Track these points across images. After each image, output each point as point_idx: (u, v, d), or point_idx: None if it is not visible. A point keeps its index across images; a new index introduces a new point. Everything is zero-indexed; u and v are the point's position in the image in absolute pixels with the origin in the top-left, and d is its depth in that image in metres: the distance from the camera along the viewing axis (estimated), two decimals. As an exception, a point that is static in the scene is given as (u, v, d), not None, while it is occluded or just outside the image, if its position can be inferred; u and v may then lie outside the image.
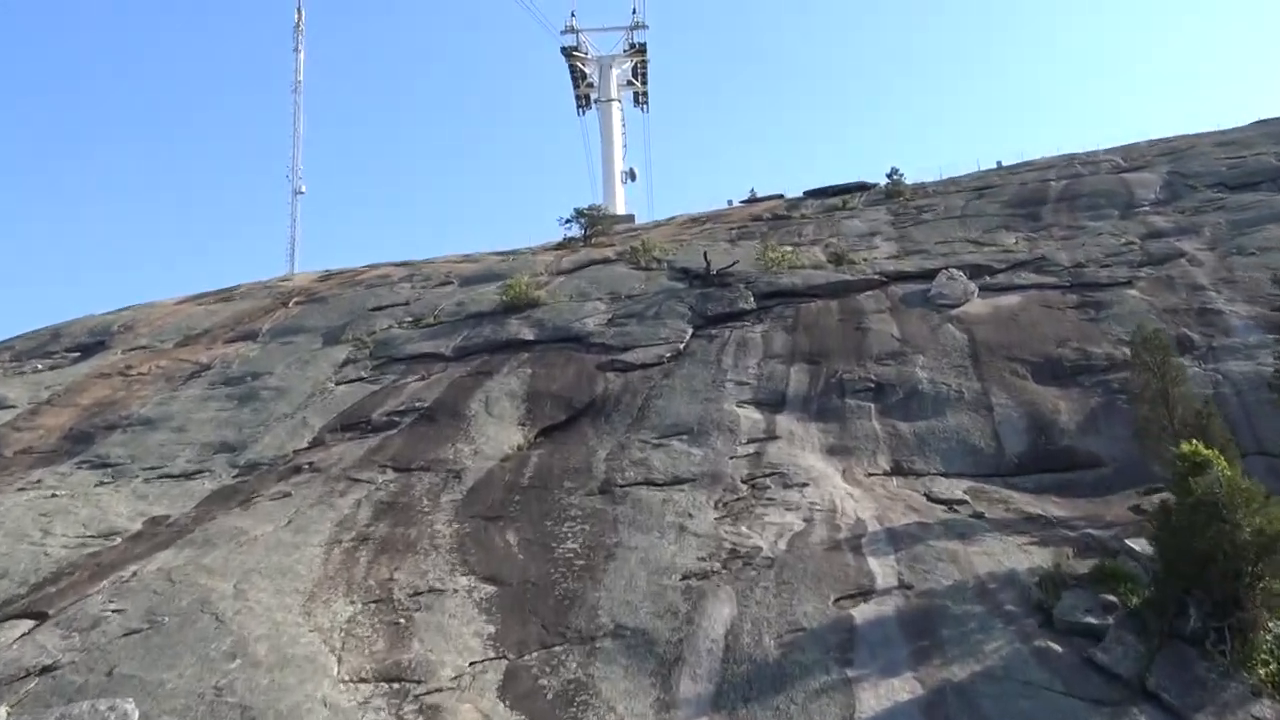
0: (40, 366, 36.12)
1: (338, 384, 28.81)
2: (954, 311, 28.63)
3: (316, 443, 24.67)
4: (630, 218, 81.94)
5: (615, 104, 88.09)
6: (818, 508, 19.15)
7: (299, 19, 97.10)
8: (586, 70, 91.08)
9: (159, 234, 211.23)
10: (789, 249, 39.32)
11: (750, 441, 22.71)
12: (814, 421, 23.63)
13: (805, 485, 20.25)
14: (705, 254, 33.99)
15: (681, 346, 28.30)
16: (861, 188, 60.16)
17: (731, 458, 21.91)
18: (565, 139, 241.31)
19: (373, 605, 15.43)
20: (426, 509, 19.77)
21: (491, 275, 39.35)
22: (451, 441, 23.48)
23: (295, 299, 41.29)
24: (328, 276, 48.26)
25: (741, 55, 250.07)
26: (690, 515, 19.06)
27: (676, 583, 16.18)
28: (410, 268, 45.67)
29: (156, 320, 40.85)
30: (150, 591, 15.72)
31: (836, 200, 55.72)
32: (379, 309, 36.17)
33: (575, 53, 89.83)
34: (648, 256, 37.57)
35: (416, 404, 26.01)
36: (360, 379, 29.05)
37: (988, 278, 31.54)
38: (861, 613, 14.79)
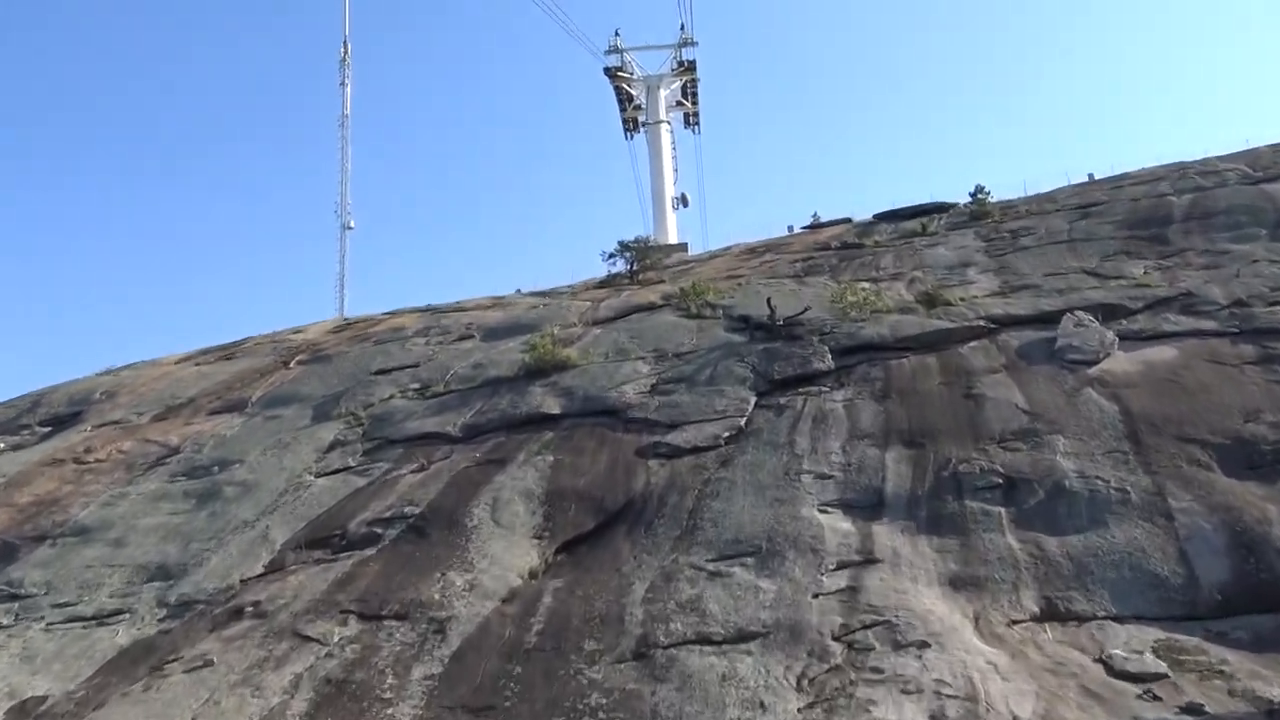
0: (3, 445, 31.35)
1: (318, 476, 23.37)
2: (1092, 371, 22.31)
3: (274, 566, 19.15)
4: (683, 246, 76.30)
5: (664, 126, 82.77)
6: (949, 690, 13.06)
7: (345, 53, 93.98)
8: (633, 92, 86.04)
9: (202, 275, 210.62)
10: (866, 286, 33.21)
11: (840, 567, 16.67)
12: (925, 535, 17.49)
13: (925, 646, 14.17)
14: (769, 300, 28.06)
15: (743, 422, 22.37)
16: (940, 209, 53.85)
17: (816, 595, 15.90)
18: (615, 165, 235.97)
19: None
20: (388, 694, 14.02)
21: (518, 326, 33.82)
22: (442, 569, 17.78)
23: (299, 357, 36.20)
24: (343, 327, 43.23)
25: (796, 71, 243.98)
26: (762, 705, 13.10)
27: None
28: (431, 316, 40.40)
29: (142, 386, 36.00)
30: None
31: (913, 224, 49.49)
32: (384, 372, 30.77)
33: (620, 73, 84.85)
34: (699, 301, 31.74)
35: (406, 509, 20.39)
36: (346, 468, 23.58)
37: (1124, 322, 25.16)
38: None
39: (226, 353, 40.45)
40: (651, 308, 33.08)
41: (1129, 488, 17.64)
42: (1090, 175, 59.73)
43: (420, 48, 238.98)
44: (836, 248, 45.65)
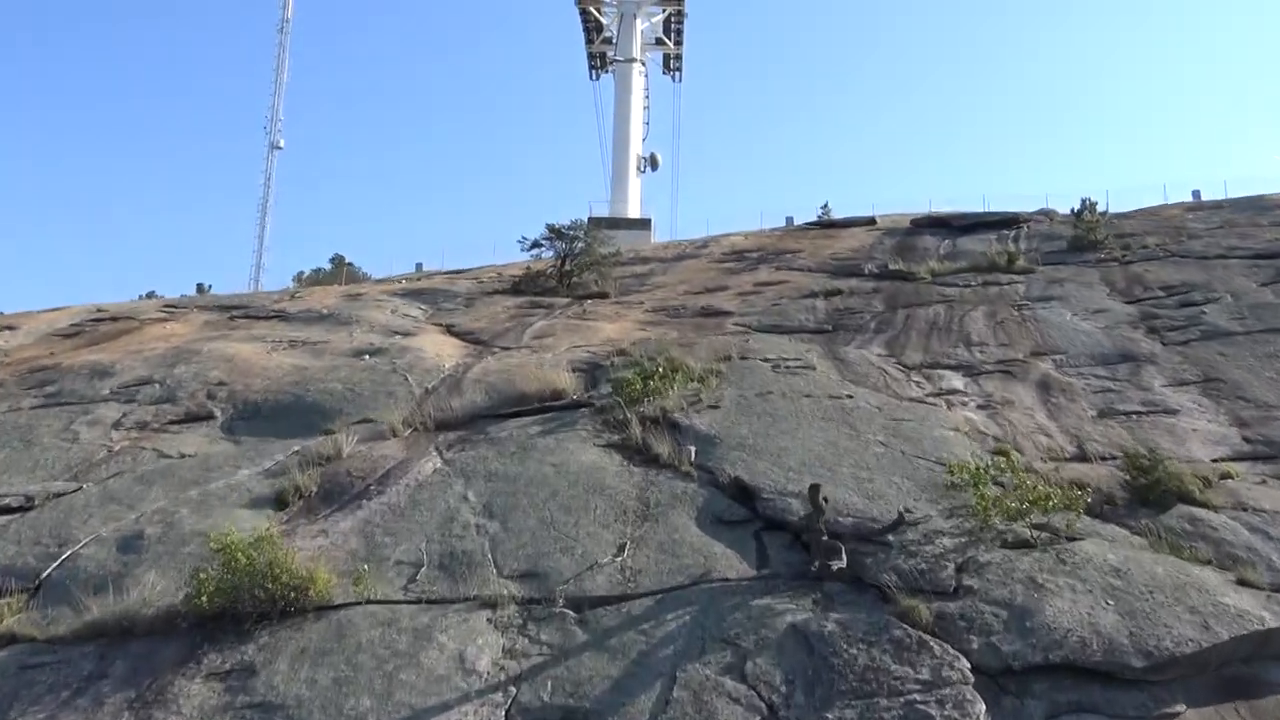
0: None
1: None
2: None
3: None
4: (644, 224, 60.00)
5: (636, 66, 65.76)
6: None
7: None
8: (603, 19, 68.89)
9: (115, 192, 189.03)
10: (962, 386, 17.76)
11: None
12: None
13: None
14: (817, 491, 11.80)
15: None
16: (1007, 222, 38.44)
17: None
18: (579, 109, 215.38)
19: None
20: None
21: (301, 407, 17.67)
22: None
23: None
24: (72, 331, 26.63)
25: (810, 33, 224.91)
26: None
27: None
28: (216, 324, 24.05)
29: None
30: None
31: (977, 245, 34.06)
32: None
33: (589, -7, 67.67)
34: (650, 411, 15.57)
35: None
36: None
37: None
38: None
39: None
40: (554, 402, 16.86)
41: None
42: (1196, 193, 44.83)
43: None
44: (874, 275, 29.95)
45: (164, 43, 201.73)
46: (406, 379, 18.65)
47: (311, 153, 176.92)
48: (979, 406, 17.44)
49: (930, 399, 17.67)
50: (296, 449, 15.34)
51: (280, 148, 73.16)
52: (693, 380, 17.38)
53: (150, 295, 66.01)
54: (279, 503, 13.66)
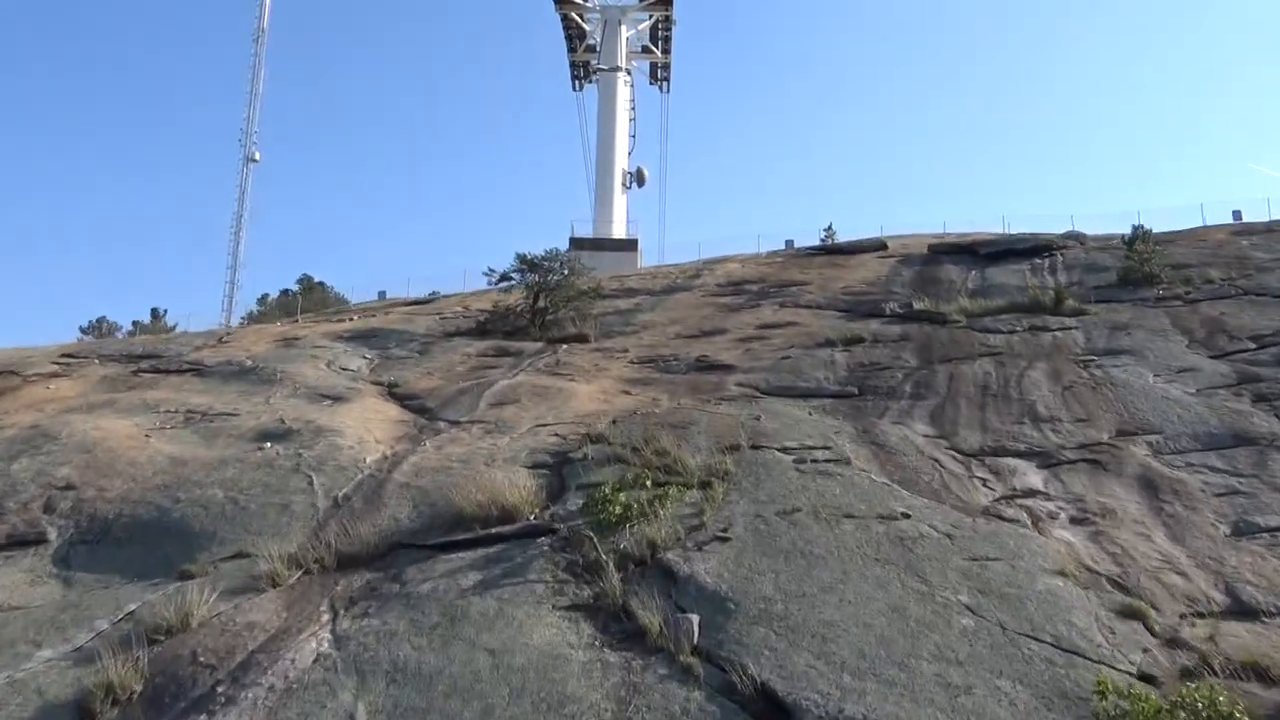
0: None
1: None
2: None
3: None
4: (631, 244, 55.71)
5: (621, 76, 61.42)
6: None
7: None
8: (586, 26, 64.59)
9: (71, 209, 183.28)
10: (1057, 509, 13.41)
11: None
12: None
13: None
14: None
15: None
16: (1040, 250, 34.33)
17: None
18: (565, 120, 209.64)
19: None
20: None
21: (175, 533, 12.94)
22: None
23: None
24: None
25: (800, 47, 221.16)
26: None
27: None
28: (104, 393, 19.51)
29: None
30: None
31: (1010, 277, 30.01)
32: None
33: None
34: (631, 557, 11.06)
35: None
36: None
37: None
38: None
39: None
40: (504, 528, 12.35)
41: None
42: (1237, 214, 40.89)
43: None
44: (897, 316, 25.66)
45: (136, 53, 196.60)
46: (311, 482, 14.11)
47: (288, 167, 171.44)
48: (1074, 520, 13.06)
49: (1006, 508, 13.28)
50: (132, 608, 10.83)
51: (256, 161, 68.54)
52: (690, 488, 12.96)
53: (99, 322, 61.27)
54: (82, 714, 9.17)
